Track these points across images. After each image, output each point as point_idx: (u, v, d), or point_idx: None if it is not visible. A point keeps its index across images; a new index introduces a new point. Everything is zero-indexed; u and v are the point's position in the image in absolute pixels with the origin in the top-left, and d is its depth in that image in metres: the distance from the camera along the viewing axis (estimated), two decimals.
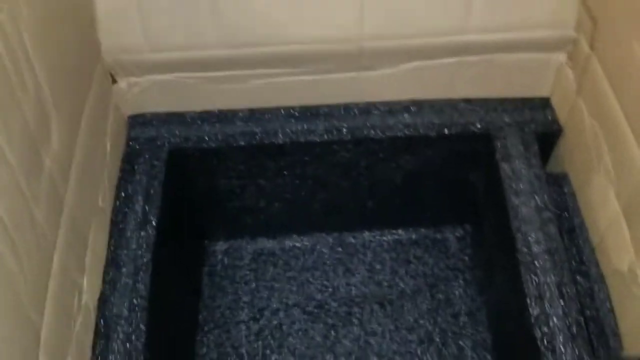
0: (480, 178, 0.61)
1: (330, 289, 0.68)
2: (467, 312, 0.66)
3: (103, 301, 0.49)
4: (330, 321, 0.66)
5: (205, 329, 0.66)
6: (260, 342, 0.65)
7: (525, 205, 0.52)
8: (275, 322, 0.66)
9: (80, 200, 0.46)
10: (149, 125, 0.58)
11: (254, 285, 0.68)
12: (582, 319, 0.48)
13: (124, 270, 0.51)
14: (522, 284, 0.50)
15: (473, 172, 0.61)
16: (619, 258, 0.49)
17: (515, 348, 0.54)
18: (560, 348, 0.47)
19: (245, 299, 0.67)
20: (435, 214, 0.69)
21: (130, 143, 0.57)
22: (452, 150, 0.58)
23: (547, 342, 0.47)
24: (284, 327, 0.66)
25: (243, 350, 0.65)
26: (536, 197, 0.53)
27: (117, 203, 0.53)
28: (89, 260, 0.48)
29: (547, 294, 0.49)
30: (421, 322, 0.66)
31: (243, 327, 0.66)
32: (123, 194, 0.54)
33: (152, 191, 0.54)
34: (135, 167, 0.55)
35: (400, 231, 0.71)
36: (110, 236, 0.52)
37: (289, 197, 0.64)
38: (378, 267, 0.69)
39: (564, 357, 0.47)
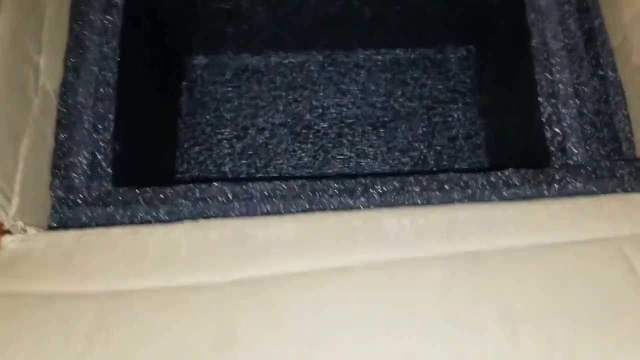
0: None
1: (319, 110, 0.63)
2: (465, 135, 0.62)
3: (65, 89, 0.44)
4: (319, 142, 0.62)
5: (186, 145, 0.61)
6: (244, 161, 0.61)
7: None
8: (260, 142, 0.61)
9: None
10: None
11: (237, 102, 0.63)
12: (597, 119, 0.44)
13: (88, 56, 0.45)
14: (535, 83, 0.45)
15: None
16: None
17: (520, 155, 0.50)
18: (571, 148, 0.43)
19: (228, 116, 0.62)
20: (437, 32, 0.63)
21: None
22: None
23: (558, 142, 0.43)
24: (270, 147, 0.61)
25: (226, 169, 0.60)
26: None
27: None
28: (47, 36, 0.42)
29: (562, 93, 0.44)
30: (415, 144, 0.61)
31: (226, 145, 0.61)
32: None
33: None
34: None
35: (397, 50, 0.64)
36: (71, 18, 0.45)
37: (275, 0, 0.57)
38: (372, 87, 0.63)
39: (574, 158, 0.43)
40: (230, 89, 0.63)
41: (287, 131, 0.62)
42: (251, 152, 0.61)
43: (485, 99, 0.62)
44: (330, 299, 0.32)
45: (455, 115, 0.62)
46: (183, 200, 0.40)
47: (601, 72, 0.47)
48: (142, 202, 0.40)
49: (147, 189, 0.41)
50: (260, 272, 0.33)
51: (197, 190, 0.41)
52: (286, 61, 0.64)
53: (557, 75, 0.45)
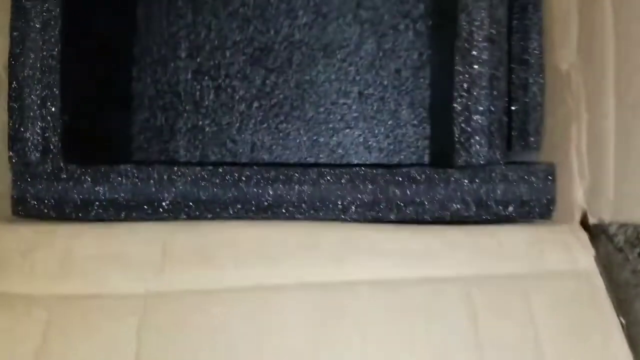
0: None
1: (272, 31, 0.64)
2: (412, 67, 0.64)
3: (13, 61, 0.47)
4: (270, 65, 0.64)
5: (142, 63, 0.64)
6: (197, 82, 0.64)
7: None
8: (213, 63, 0.64)
9: None
10: None
11: (190, 19, 0.64)
12: (506, 119, 0.47)
13: (31, 22, 0.47)
14: (454, 74, 0.47)
15: None
16: (561, 55, 0.46)
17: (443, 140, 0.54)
18: (475, 147, 0.47)
19: (182, 33, 0.64)
20: None
21: None
22: None
23: (465, 139, 0.47)
24: (222, 66, 0.64)
25: (180, 89, 0.64)
26: None
27: None
28: None
29: (476, 89, 0.47)
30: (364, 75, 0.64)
31: (180, 63, 0.64)
32: None
33: None
34: None
35: None
36: None
37: None
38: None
39: (477, 158, 0.47)
40: (183, 3, 0.64)
41: (239, 53, 0.64)
42: (205, 71, 0.64)
43: (433, 26, 0.63)
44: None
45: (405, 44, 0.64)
46: (123, 179, 0.46)
47: (525, 56, 0.49)
48: (89, 179, 0.46)
49: (94, 167, 0.46)
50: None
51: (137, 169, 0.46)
52: None
53: (476, 69, 0.47)
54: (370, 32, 0.64)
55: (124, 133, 0.62)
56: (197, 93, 0.64)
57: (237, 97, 0.64)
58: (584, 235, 0.41)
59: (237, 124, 0.64)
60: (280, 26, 0.64)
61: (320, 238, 0.41)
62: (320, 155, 0.63)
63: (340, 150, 0.63)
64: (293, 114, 0.64)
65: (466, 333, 0.36)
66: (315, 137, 0.64)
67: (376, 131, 0.63)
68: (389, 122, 0.63)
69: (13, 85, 0.47)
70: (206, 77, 0.64)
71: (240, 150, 0.63)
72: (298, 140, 0.64)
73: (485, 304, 0.37)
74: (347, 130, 0.64)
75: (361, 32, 0.64)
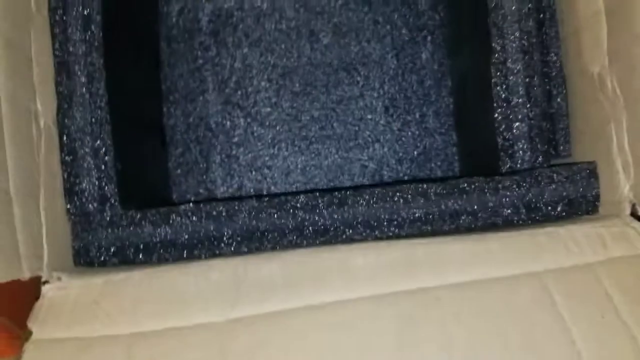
0: None
1: (295, 55, 0.66)
2: (433, 77, 0.66)
3: (62, 117, 0.48)
4: (295, 89, 0.65)
5: (171, 99, 0.65)
6: (227, 113, 0.65)
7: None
8: (240, 92, 0.65)
9: (8, 8, 0.41)
10: None
11: (214, 52, 0.65)
12: (544, 124, 0.49)
13: (76, 79, 0.48)
14: (491, 86, 0.49)
15: None
16: (592, 60, 0.48)
17: (478, 146, 0.56)
18: (519, 154, 0.49)
19: (208, 67, 0.65)
20: None
21: None
22: None
23: (508, 145, 0.49)
24: (250, 95, 0.65)
25: (211, 121, 0.65)
26: None
27: (51, 4, 0.47)
28: (38, 78, 0.45)
29: (514, 99, 0.49)
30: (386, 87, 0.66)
31: (208, 97, 0.65)
32: None
33: None
34: None
35: None
36: (54, 47, 0.47)
37: None
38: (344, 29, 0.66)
39: (521, 162, 0.49)
40: (206, 37, 0.65)
41: (265, 78, 0.65)
42: (235, 102, 0.65)
43: (451, 40, 0.64)
44: (302, 337, 0.40)
45: (424, 57, 0.65)
46: (183, 219, 0.47)
47: (546, 69, 0.51)
48: (149, 223, 0.47)
49: (153, 210, 0.47)
50: (255, 311, 0.41)
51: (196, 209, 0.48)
52: (259, 3, 0.65)
53: (513, 79, 0.49)
54: (389, 47, 0.65)
55: (162, 170, 0.63)
56: (228, 123, 0.65)
57: (267, 123, 0.65)
58: (638, 225, 0.43)
59: (270, 150, 0.65)
60: (302, 49, 0.65)
61: (388, 255, 0.43)
62: (353, 172, 0.65)
63: (372, 165, 0.65)
64: (322, 133, 0.65)
65: (552, 322, 0.38)
66: (346, 154, 0.65)
67: (405, 142, 0.65)
68: (417, 133, 0.65)
69: (64, 140, 0.48)
70: (235, 107, 0.65)
71: (275, 175, 0.65)
72: (330, 159, 0.65)
73: (564, 293, 0.39)
74: (377, 145, 0.65)
75: (381, 48, 0.65)
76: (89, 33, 0.48)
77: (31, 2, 0.45)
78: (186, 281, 0.43)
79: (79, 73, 0.48)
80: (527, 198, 0.48)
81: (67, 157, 0.48)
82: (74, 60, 0.48)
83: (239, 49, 0.65)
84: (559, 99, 0.50)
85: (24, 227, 0.41)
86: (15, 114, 0.42)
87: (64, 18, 0.48)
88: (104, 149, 0.48)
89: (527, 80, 0.48)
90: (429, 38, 0.65)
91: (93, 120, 0.48)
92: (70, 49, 0.47)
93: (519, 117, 0.48)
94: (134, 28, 0.58)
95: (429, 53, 0.65)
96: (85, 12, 0.48)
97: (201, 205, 0.47)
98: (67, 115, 0.48)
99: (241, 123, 0.65)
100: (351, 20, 0.65)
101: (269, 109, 0.65)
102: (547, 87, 0.51)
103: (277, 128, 0.65)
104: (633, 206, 0.45)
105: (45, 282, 0.43)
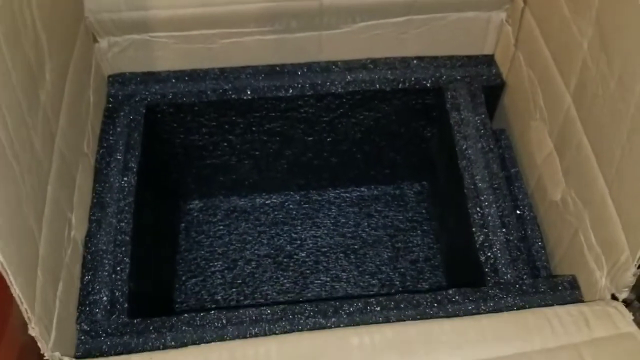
0: (433, 129, 0.67)
1: (298, 241, 0.73)
2: (425, 258, 0.72)
3: (90, 238, 0.54)
4: (298, 269, 0.71)
5: (183, 278, 0.70)
6: (234, 290, 0.70)
7: (472, 147, 0.59)
8: (247, 271, 0.71)
9: (68, 141, 0.51)
10: (127, 83, 0.62)
11: (227, 238, 0.73)
12: (521, 245, 0.54)
13: (108, 210, 0.55)
14: (469, 216, 0.56)
15: (426, 125, 0.67)
16: (554, 189, 0.55)
17: (464, 273, 0.60)
18: (502, 269, 0.53)
19: (220, 251, 0.72)
20: (395, 171, 0.75)
21: (111, 99, 0.61)
22: (406, 104, 0.64)
23: (490, 264, 0.53)
24: (256, 276, 0.71)
25: (219, 297, 0.69)
26: (482, 141, 0.59)
27: (100, 151, 0.58)
28: (77, 199, 0.53)
29: (490, 224, 0.55)
30: (383, 268, 0.71)
31: (218, 276, 0.71)
32: (105, 144, 0.58)
33: (132, 142, 0.59)
34: (116, 120, 0.60)
35: (362, 188, 0.76)
36: (95, 181, 0.56)
37: (258, 154, 0.69)
38: (342, 220, 0.74)
39: (505, 277, 0.52)
40: (221, 227, 0.74)
41: (270, 261, 0.72)
42: (240, 282, 0.70)
43: (437, 226, 0.73)
44: None
45: (415, 242, 0.73)
46: (186, 327, 0.49)
47: (518, 212, 0.59)
48: (152, 330, 0.49)
49: (157, 319, 0.50)
50: None
51: (197, 318, 0.50)
52: (269, 201, 0.75)
53: (487, 210, 0.56)
54: (383, 233, 0.73)
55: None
56: (234, 302, 0.69)
57: (269, 299, 0.69)
58: (618, 304, 0.45)
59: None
60: (306, 236, 0.73)
61: (382, 335, 0.44)
62: None
63: None
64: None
65: None
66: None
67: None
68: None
69: (88, 257, 0.53)
70: (241, 285, 0.70)
71: None
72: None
73: None
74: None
75: (376, 235, 0.73)
76: (127, 179, 0.57)
77: (84, 143, 0.55)
78: None
79: (111, 204, 0.55)
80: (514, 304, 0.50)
81: (87, 274, 0.52)
82: (109, 196, 0.56)
83: (249, 235, 0.73)
84: (534, 236, 0.57)
85: (42, 304, 0.44)
86: (55, 217, 0.49)
87: (107, 167, 0.58)
88: (121, 267, 0.52)
89: (500, 212, 0.55)
90: (418, 227, 0.73)
91: (117, 242, 0.54)
92: (109, 181, 0.56)
93: (497, 240, 0.54)
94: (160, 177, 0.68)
95: (419, 238, 0.73)
96: (123, 165, 0.58)
97: (203, 313, 0.50)
98: (94, 236, 0.54)
99: (247, 301, 0.69)
100: (348, 213, 0.74)
101: (270, 287, 0.70)
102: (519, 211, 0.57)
103: (279, 307, 0.69)
104: (612, 295, 0.47)
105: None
